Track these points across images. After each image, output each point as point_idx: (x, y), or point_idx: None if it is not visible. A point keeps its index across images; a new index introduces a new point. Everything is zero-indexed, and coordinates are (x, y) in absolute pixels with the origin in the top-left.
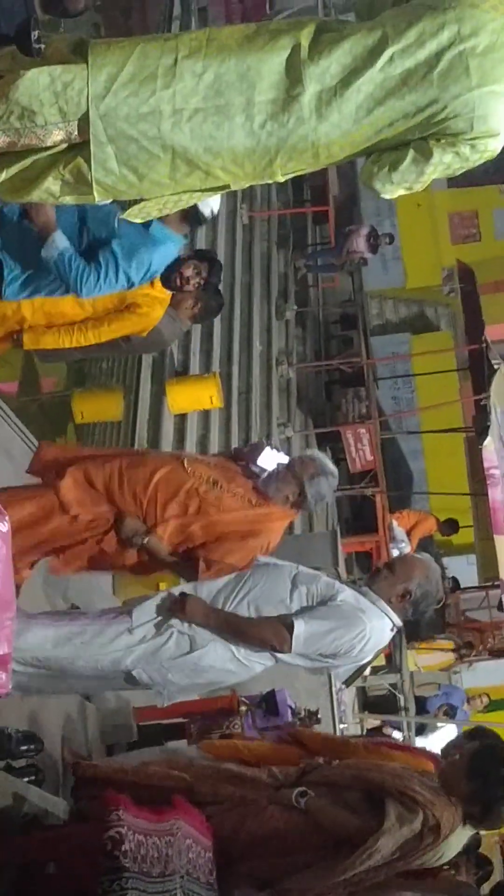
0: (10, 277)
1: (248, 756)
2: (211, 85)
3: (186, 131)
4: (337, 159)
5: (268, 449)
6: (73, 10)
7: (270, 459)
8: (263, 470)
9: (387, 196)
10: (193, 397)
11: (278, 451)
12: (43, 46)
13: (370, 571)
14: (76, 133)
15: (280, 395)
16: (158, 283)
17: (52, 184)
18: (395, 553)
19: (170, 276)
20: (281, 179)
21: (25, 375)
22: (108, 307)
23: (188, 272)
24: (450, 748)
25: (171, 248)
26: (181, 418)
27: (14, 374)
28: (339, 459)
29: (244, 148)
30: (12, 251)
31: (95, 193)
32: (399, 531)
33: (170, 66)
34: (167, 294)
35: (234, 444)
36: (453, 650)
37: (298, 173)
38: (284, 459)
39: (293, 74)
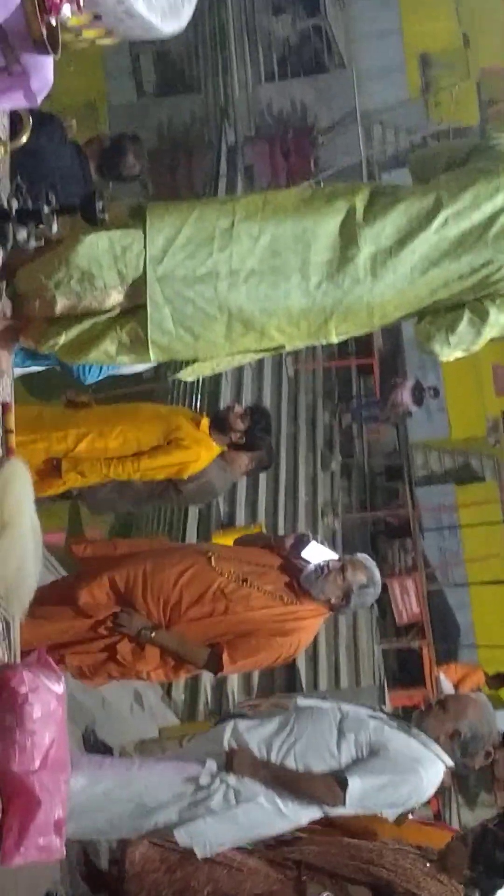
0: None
1: None
2: (267, 247)
3: (243, 292)
4: (391, 319)
5: (314, 543)
6: (128, 174)
7: (317, 553)
8: (307, 562)
9: (444, 358)
10: None
11: (324, 544)
12: (107, 216)
13: (422, 707)
14: (133, 295)
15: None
16: (205, 424)
17: (109, 346)
18: None
19: (222, 424)
20: (335, 340)
21: (72, 525)
22: (153, 443)
23: (237, 419)
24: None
25: None
26: None
27: (60, 523)
28: (385, 611)
29: (300, 308)
30: None
31: (151, 353)
32: (447, 684)
33: (226, 229)
34: (215, 445)
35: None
36: None
37: (352, 334)
38: (332, 555)
39: (348, 236)
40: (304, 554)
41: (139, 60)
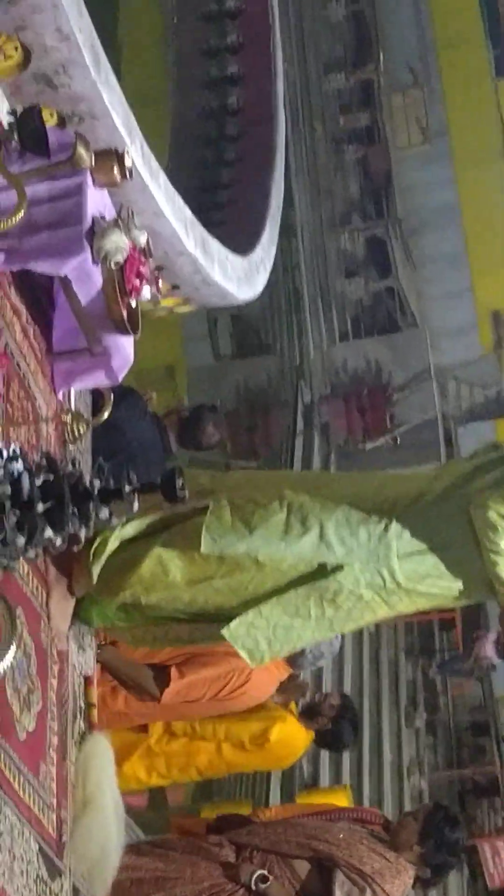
0: None
1: None
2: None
3: (302, 494)
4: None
5: None
6: (207, 444)
7: None
8: None
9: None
10: None
11: None
12: (186, 494)
13: None
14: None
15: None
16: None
17: (162, 552)
18: None
19: (312, 711)
20: (398, 572)
21: (153, 788)
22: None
23: (329, 707)
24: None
25: None
26: None
27: (142, 787)
28: (475, 874)
29: (358, 510)
30: None
31: (203, 543)
32: None
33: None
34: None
35: None
36: None
37: (420, 570)
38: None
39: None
40: None
41: (216, 324)
